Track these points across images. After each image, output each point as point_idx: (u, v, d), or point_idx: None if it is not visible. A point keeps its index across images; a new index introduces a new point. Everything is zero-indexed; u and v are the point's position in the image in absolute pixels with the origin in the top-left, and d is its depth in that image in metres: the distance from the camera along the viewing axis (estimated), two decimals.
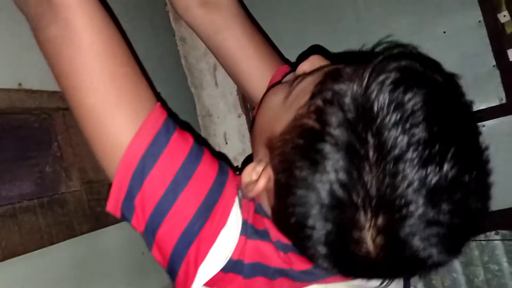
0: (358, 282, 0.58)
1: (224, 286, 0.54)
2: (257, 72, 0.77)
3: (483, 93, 1.14)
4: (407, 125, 0.43)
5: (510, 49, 1.11)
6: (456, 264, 1.18)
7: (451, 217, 0.44)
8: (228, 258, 0.54)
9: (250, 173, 0.55)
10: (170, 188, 0.54)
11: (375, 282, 0.60)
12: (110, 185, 0.57)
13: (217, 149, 1.20)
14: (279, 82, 0.69)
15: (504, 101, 1.13)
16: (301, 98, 0.51)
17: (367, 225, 0.45)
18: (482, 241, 1.15)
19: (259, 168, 0.54)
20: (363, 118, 0.44)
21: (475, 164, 0.47)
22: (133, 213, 0.56)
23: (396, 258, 0.47)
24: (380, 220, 0.45)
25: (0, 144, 0.74)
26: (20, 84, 0.79)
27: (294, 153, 0.49)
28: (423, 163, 0.43)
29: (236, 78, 0.82)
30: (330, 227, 0.46)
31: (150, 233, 0.55)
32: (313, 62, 0.58)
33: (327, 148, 0.45)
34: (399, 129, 0.43)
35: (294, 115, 0.51)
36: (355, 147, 0.44)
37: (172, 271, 0.57)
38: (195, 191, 0.54)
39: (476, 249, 1.15)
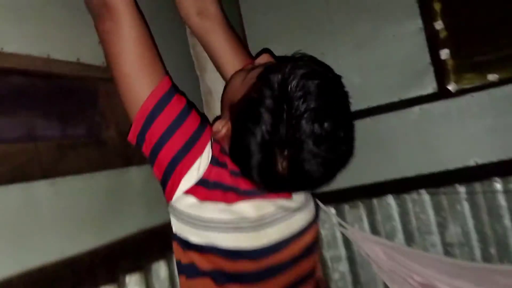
0: (281, 201, 0.93)
1: (196, 194, 0.88)
2: (231, 64, 1.11)
3: (420, 83, 1.48)
4: (307, 98, 0.77)
5: (442, 50, 1.45)
6: (395, 213, 1.51)
7: (329, 153, 0.79)
8: (200, 176, 0.88)
9: (218, 125, 0.89)
10: (168, 129, 0.88)
11: (294, 204, 0.95)
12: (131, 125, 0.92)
13: None
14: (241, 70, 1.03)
15: (436, 90, 1.47)
16: (251, 80, 0.85)
17: (279, 155, 0.79)
18: (415, 197, 1.48)
19: (223, 122, 0.89)
20: (282, 95, 0.78)
21: (345, 125, 0.81)
22: (143, 143, 0.91)
23: (295, 175, 0.81)
24: (286, 152, 0.79)
25: (66, 100, 1.09)
26: (78, 59, 1.14)
27: (243, 113, 0.83)
28: (313, 121, 0.77)
29: (217, 67, 1.17)
30: (259, 156, 0.81)
31: (153, 156, 0.90)
32: (263, 58, 0.92)
33: (262, 110, 0.79)
34: (301, 100, 0.77)
35: (246, 90, 0.85)
36: (277, 111, 0.78)
37: (164, 182, 0.91)
38: (184, 132, 0.89)
39: (410, 202, 1.49)
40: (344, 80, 0.85)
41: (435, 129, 1.47)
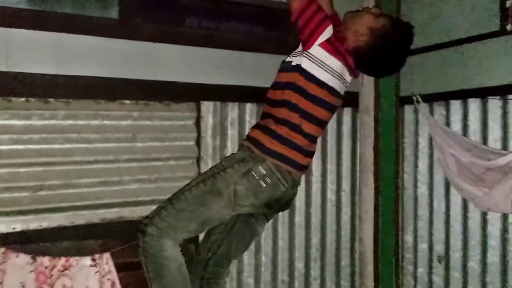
0: (348, 76, 1.97)
1: (324, 47, 1.83)
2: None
3: (490, 23, 2.12)
4: (404, 38, 1.90)
5: (508, 1, 2.05)
6: (459, 114, 2.26)
7: (402, 59, 1.96)
8: (328, 37, 1.84)
9: (359, 35, 1.88)
10: (315, 11, 1.84)
11: (349, 81, 2.00)
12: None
13: None
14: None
15: (499, 28, 2.09)
16: (383, 21, 1.87)
17: (387, 55, 1.90)
18: (473, 102, 2.19)
19: (365, 34, 1.88)
20: (392, 32, 1.85)
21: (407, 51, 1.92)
22: (300, 18, 1.86)
23: (388, 66, 1.96)
24: (391, 54, 1.92)
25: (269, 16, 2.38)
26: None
27: (382, 33, 1.85)
28: (402, 44, 1.89)
29: None
30: (378, 55, 1.87)
31: (305, 25, 1.84)
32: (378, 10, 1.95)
33: (387, 35, 1.85)
34: (404, 37, 1.89)
35: (382, 25, 1.86)
36: (395, 38, 1.86)
37: (308, 38, 1.83)
38: (322, 15, 1.84)
39: (472, 105, 2.21)
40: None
41: (495, 56, 2.13)
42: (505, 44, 2.09)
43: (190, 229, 1.82)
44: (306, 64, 1.84)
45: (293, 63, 1.90)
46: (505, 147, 2.10)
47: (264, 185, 1.80)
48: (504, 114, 2.11)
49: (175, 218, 1.79)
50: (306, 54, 1.85)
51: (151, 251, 1.75)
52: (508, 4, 2.07)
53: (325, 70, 1.85)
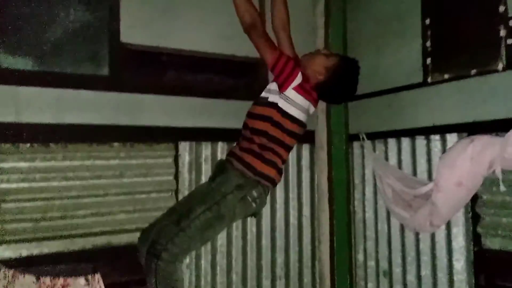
0: (313, 108, 2.44)
1: (296, 90, 2.28)
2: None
3: (416, 76, 2.59)
4: (354, 72, 2.38)
5: (428, 58, 2.52)
6: (394, 149, 2.71)
7: (353, 89, 2.42)
8: (299, 82, 2.30)
9: (318, 74, 2.35)
10: (286, 61, 2.30)
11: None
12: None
13: None
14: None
15: (421, 81, 2.56)
16: (334, 60, 2.35)
17: (339, 87, 2.39)
18: (406, 141, 2.64)
19: (322, 73, 2.35)
20: (342, 67, 2.34)
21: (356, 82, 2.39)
22: (275, 68, 2.32)
23: (343, 95, 2.48)
24: (342, 85, 2.40)
25: (242, 69, 2.82)
26: (247, 55, 2.82)
27: (334, 70, 2.32)
28: (353, 79, 2.40)
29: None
30: (337, 87, 2.36)
31: (280, 72, 2.26)
32: (328, 50, 2.49)
33: (340, 70, 2.32)
34: (353, 72, 2.38)
35: (332, 63, 2.33)
36: (344, 74, 2.35)
37: (282, 84, 2.28)
38: (292, 64, 2.29)
39: (404, 144, 2.66)
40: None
41: (420, 103, 2.60)
42: (427, 94, 2.57)
43: (196, 248, 2.35)
44: (282, 104, 2.29)
45: (269, 99, 2.32)
46: (430, 177, 2.55)
47: (254, 205, 2.28)
48: (428, 150, 2.57)
49: (187, 243, 2.13)
50: (282, 96, 2.29)
51: (164, 273, 2.08)
52: (428, 61, 2.56)
53: (296, 108, 2.31)
